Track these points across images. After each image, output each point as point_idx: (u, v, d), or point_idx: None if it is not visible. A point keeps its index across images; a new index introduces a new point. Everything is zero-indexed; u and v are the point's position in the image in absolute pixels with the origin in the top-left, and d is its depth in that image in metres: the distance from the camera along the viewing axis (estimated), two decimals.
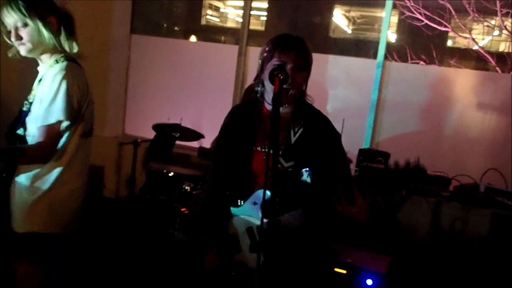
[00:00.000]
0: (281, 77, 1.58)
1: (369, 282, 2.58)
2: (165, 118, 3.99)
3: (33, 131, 1.92)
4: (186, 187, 3.24)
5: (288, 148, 1.77)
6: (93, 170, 4.26)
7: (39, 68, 2.04)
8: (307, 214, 1.77)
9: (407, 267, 2.80)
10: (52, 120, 1.87)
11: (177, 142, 3.84)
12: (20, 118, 1.96)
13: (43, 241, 1.96)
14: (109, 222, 3.72)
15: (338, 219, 1.69)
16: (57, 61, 1.97)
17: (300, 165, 1.75)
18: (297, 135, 1.78)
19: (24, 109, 1.97)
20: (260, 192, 1.75)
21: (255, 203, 1.76)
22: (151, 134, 3.90)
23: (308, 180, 1.72)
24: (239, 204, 1.83)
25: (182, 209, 3.15)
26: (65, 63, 1.96)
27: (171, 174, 3.40)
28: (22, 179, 1.95)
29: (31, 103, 1.96)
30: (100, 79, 4.34)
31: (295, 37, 1.76)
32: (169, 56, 4.49)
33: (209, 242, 1.90)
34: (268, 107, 1.80)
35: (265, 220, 1.65)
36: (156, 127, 3.68)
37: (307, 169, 1.73)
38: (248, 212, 1.79)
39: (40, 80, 1.98)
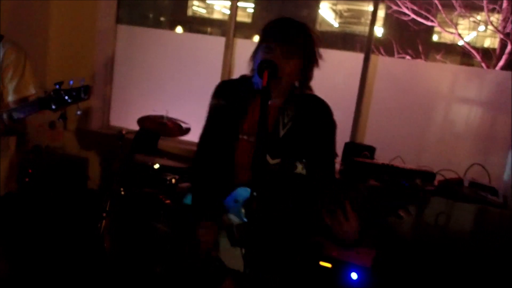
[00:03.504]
0: (270, 70, 1.48)
1: (354, 276, 2.60)
2: (150, 110, 3.94)
3: None
4: (171, 179, 3.21)
5: (275, 143, 1.60)
6: (77, 161, 4.26)
7: None
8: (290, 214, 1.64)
9: (391, 261, 2.82)
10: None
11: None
12: None
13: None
14: (93, 213, 3.69)
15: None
16: None
17: (288, 161, 1.61)
18: (286, 128, 1.62)
19: None
20: (241, 190, 1.62)
21: (236, 201, 1.64)
22: (136, 125, 3.85)
23: (304, 172, 1.60)
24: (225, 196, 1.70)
25: (167, 201, 3.13)
26: None
27: (156, 166, 3.36)
28: None
29: None
30: (85, 69, 4.27)
31: (291, 21, 1.59)
32: (155, 47, 4.43)
33: (200, 215, 1.72)
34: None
35: (245, 220, 1.60)
36: (140, 120, 3.63)
37: (303, 160, 1.60)
38: (230, 209, 1.66)
39: None
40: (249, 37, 7.45)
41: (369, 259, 2.67)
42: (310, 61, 1.63)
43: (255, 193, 1.44)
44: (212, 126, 1.75)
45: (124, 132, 3.44)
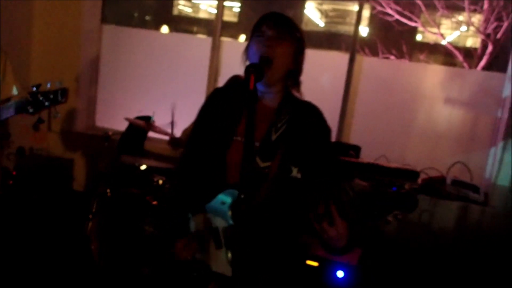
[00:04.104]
0: (256, 74, 1.44)
1: (340, 274, 2.63)
2: (136, 110, 3.93)
3: None
4: (158, 180, 3.21)
5: (267, 146, 1.58)
6: (62, 163, 4.23)
7: None
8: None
9: (377, 258, 2.85)
10: None
11: (149, 134, 3.79)
12: None
13: None
14: (78, 214, 3.67)
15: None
16: None
17: (279, 165, 1.57)
18: (280, 132, 1.59)
19: None
20: (229, 192, 1.56)
21: (223, 203, 1.56)
22: (122, 126, 3.84)
23: (299, 176, 1.57)
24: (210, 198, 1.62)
25: (154, 203, 3.12)
26: None
27: (143, 167, 3.35)
28: None
29: None
30: (70, 70, 4.23)
31: (279, 13, 1.59)
32: (141, 47, 4.42)
33: (178, 231, 1.69)
34: (259, 94, 1.61)
35: (231, 223, 1.53)
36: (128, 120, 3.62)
37: (298, 164, 1.57)
38: (215, 211, 1.61)
39: None
40: (236, 36, 7.46)
41: (355, 257, 2.70)
42: (300, 47, 1.60)
43: (242, 196, 1.44)
44: (203, 129, 1.71)
45: (110, 133, 3.43)
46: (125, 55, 4.44)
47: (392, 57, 5.44)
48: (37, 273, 3.03)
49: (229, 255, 1.58)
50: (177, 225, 1.70)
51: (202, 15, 9.16)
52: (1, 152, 2.32)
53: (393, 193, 1.42)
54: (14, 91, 2.06)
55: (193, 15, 9.25)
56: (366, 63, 3.95)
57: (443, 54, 5.86)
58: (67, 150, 4.37)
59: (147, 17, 7.47)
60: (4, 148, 2.33)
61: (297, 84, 1.66)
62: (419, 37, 6.51)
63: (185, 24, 9.35)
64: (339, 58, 4.03)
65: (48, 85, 1.72)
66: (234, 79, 3.03)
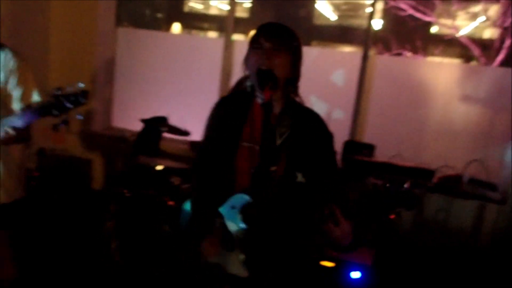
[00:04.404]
0: (271, 85, 1.54)
1: (355, 274, 2.65)
2: (152, 111, 3.98)
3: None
4: (174, 181, 3.25)
5: (272, 150, 1.63)
6: (81, 163, 4.30)
7: None
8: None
9: (391, 258, 2.87)
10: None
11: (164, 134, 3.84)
12: None
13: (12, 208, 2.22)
14: (98, 214, 3.74)
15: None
16: None
17: (289, 170, 1.64)
18: (283, 137, 1.65)
19: None
20: (238, 196, 1.65)
21: (233, 207, 1.66)
22: (137, 126, 3.89)
23: (303, 181, 1.63)
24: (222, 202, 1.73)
25: (170, 203, 3.18)
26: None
27: (159, 168, 3.41)
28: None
29: None
30: (86, 72, 4.30)
31: (276, 23, 1.65)
32: (155, 48, 4.46)
33: (204, 231, 1.76)
34: (259, 100, 1.68)
35: (242, 226, 1.62)
36: (146, 121, 3.67)
37: (302, 169, 1.62)
38: (227, 215, 1.69)
39: None
40: (247, 32, 7.46)
41: (369, 257, 2.72)
42: (297, 55, 1.69)
43: (253, 200, 1.54)
44: (212, 136, 1.79)
45: (128, 135, 3.48)
46: (140, 57, 4.49)
47: (406, 52, 5.40)
48: (58, 272, 3.10)
49: (242, 257, 1.65)
50: (204, 225, 1.75)
51: (213, 11, 9.18)
52: (23, 155, 2.37)
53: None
54: (36, 98, 2.10)
55: (204, 11, 9.28)
56: (379, 60, 3.94)
57: (459, 49, 5.79)
58: (85, 150, 4.45)
59: (159, 15, 7.53)
60: (25, 150, 2.39)
61: (295, 90, 1.72)
62: (433, 32, 6.43)
63: (196, 21, 9.38)
64: (352, 56, 4.02)
65: (70, 88, 1.76)
66: (240, 83, 3.06)
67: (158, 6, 7.22)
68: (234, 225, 1.67)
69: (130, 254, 3.17)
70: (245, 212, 1.63)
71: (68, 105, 1.74)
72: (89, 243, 3.34)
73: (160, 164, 3.43)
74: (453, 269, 2.92)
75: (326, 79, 4.03)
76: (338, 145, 3.59)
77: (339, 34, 7.70)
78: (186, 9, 8.80)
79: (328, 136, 1.72)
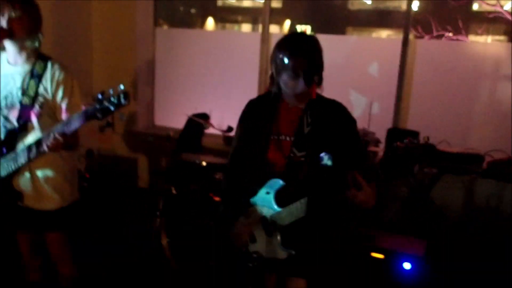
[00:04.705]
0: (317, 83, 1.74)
1: (407, 265, 2.61)
2: (193, 108, 4.05)
3: (44, 122, 2.16)
4: (220, 177, 3.30)
5: (301, 138, 1.83)
6: (127, 162, 4.44)
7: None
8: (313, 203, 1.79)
9: (444, 248, 2.81)
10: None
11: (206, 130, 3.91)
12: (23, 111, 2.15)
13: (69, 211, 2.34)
14: (143, 210, 3.86)
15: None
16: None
17: (313, 154, 1.80)
18: (310, 126, 1.84)
19: (27, 103, 2.14)
20: (273, 181, 1.83)
21: (268, 193, 1.84)
22: (179, 124, 3.97)
23: (329, 163, 1.75)
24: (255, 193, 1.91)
25: (216, 199, 3.23)
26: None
27: (204, 164, 3.46)
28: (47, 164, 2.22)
29: (33, 97, 2.14)
30: (128, 74, 4.42)
31: (304, 38, 1.83)
32: (193, 46, 4.52)
33: (235, 217, 1.95)
34: (287, 99, 1.88)
35: (277, 209, 1.80)
36: (188, 118, 3.74)
37: (324, 154, 1.77)
38: (262, 202, 1.86)
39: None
40: (282, 23, 7.41)
41: (421, 248, 2.68)
42: (320, 58, 1.83)
43: (286, 183, 1.74)
44: (244, 135, 1.98)
45: (171, 133, 3.56)
46: (178, 55, 4.56)
47: (447, 33, 5.22)
48: (115, 270, 3.22)
49: (279, 237, 1.81)
50: (234, 212, 1.95)
51: (246, 3, 9.18)
52: (74, 159, 2.47)
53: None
54: (82, 108, 2.17)
55: (237, 4, 9.29)
56: (420, 45, 3.84)
57: (504, 26, 5.53)
58: (130, 150, 4.58)
59: (192, 10, 7.58)
60: (75, 154, 2.49)
61: (320, 83, 1.87)
62: (475, 10, 6.17)
63: (229, 15, 9.41)
64: (391, 42, 3.94)
65: (111, 91, 1.82)
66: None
67: (192, 3, 7.28)
68: (270, 209, 1.83)
69: (180, 250, 3.25)
70: (280, 195, 1.81)
71: (111, 107, 1.80)
72: (140, 241, 3.44)
73: (202, 160, 3.49)
74: (508, 257, 2.83)
75: (365, 67, 3.96)
76: (382, 133, 3.56)
77: (375, 18, 7.52)
78: (219, 3, 8.83)
79: (351, 121, 1.89)
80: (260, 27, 4.30)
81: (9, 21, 2.03)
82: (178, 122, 4.06)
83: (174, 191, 3.45)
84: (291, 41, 1.83)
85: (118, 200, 4.07)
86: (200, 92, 4.53)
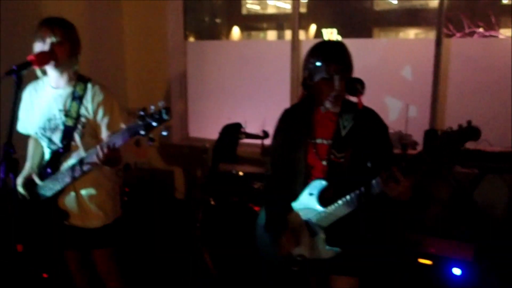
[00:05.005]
0: (362, 91, 1.74)
1: (456, 271, 2.56)
2: (226, 118, 4.08)
3: (86, 142, 2.22)
4: (259, 187, 3.30)
5: (339, 140, 1.91)
6: (163, 174, 4.50)
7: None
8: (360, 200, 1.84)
9: (493, 251, 2.74)
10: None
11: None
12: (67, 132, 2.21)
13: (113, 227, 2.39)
14: (182, 222, 3.90)
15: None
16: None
17: (352, 155, 1.88)
18: (347, 128, 1.91)
19: (70, 124, 2.20)
20: (315, 182, 1.89)
21: (311, 194, 1.90)
22: (213, 135, 4.00)
23: (369, 165, 1.80)
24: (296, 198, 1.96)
25: (256, 208, 3.23)
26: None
27: (241, 173, 3.48)
28: (91, 183, 2.28)
29: (75, 118, 2.20)
30: (161, 87, 4.50)
31: (335, 44, 1.92)
32: (222, 57, 4.57)
33: (279, 228, 2.00)
34: (322, 108, 1.93)
35: (321, 209, 1.86)
36: (222, 129, 3.77)
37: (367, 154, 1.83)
38: (304, 204, 1.92)
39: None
40: (307, 27, 7.40)
41: (469, 252, 2.62)
42: (349, 66, 1.92)
43: (328, 183, 1.82)
44: (283, 140, 2.05)
45: (207, 145, 3.59)
46: (209, 67, 4.62)
47: (480, 30, 5.10)
48: (161, 282, 3.27)
49: (323, 236, 1.87)
50: (280, 222, 2.00)
51: (271, 10, 9.21)
52: (117, 175, 2.52)
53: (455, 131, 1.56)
54: (122, 126, 2.21)
55: (262, 12, 9.33)
56: (454, 44, 3.77)
57: None
58: (166, 162, 4.65)
59: (218, 20, 7.65)
60: (117, 170, 2.54)
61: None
62: (505, 0, 6.01)
63: (255, 22, 9.46)
64: (424, 42, 3.88)
65: (152, 108, 1.86)
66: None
67: (217, 13, 7.34)
68: (313, 210, 1.89)
69: (222, 261, 3.27)
70: (322, 195, 1.87)
71: (154, 123, 1.84)
72: (181, 253, 3.48)
73: (239, 170, 3.50)
74: None
75: (398, 70, 3.92)
76: (419, 135, 3.51)
77: (402, 18, 7.43)
78: (244, 11, 8.90)
79: (384, 127, 1.98)
80: (286, 33, 4.32)
81: (51, 46, 2.09)
82: (211, 133, 4.10)
83: (212, 202, 3.48)
84: (323, 46, 1.93)
85: (156, 212, 4.12)
86: (232, 103, 4.57)
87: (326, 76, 1.83)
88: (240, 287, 3.13)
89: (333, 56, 1.86)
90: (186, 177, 4.62)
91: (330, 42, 1.98)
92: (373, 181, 1.73)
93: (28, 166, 2.35)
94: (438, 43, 3.67)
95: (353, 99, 1.92)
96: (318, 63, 1.84)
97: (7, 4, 3.58)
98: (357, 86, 1.73)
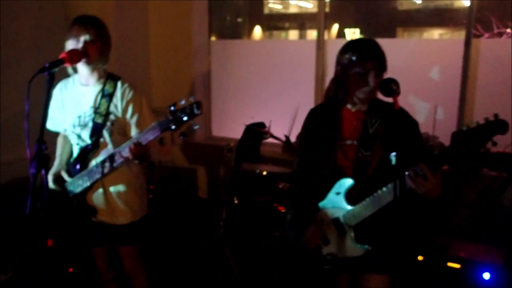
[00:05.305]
0: (398, 92, 1.74)
1: (486, 276, 2.51)
2: (249, 117, 4.08)
3: (115, 139, 2.25)
4: (283, 187, 3.30)
5: (367, 138, 1.88)
6: (186, 173, 4.53)
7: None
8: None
9: None
10: None
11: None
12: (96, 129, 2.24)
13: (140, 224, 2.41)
14: (205, 221, 3.92)
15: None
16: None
17: (380, 152, 1.86)
18: (375, 126, 1.88)
19: (99, 121, 2.23)
20: (342, 181, 1.88)
21: (338, 193, 1.89)
22: (236, 134, 4.00)
23: (393, 162, 1.78)
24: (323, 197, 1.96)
25: (280, 208, 3.23)
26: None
27: (264, 173, 3.48)
28: (119, 180, 2.30)
29: (104, 115, 2.22)
30: (186, 87, 4.53)
31: (371, 41, 1.90)
32: (246, 57, 4.58)
33: (306, 221, 1.99)
34: (348, 106, 1.94)
35: (349, 208, 1.85)
36: (246, 128, 3.77)
37: (395, 153, 1.79)
38: (332, 203, 1.91)
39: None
40: (329, 27, 7.35)
41: (500, 256, 2.56)
42: (384, 63, 1.89)
43: (356, 182, 1.81)
44: (311, 140, 2.03)
45: (232, 144, 3.60)
46: (232, 66, 4.63)
47: (508, 30, 5.00)
48: (185, 280, 3.29)
49: (352, 235, 1.86)
50: (305, 216, 1.99)
51: (293, 9, 9.19)
52: (144, 173, 2.54)
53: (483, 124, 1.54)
54: (150, 122, 2.22)
55: (284, 11, 9.32)
56: (483, 44, 3.70)
57: None
58: (190, 161, 4.67)
59: (239, 20, 7.67)
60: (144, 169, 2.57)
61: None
62: None
63: (277, 21, 9.45)
64: (452, 43, 3.82)
65: (183, 102, 1.87)
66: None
67: (239, 13, 7.36)
68: (341, 209, 1.88)
69: (245, 261, 3.27)
70: (350, 194, 1.86)
71: (185, 117, 1.85)
72: (205, 252, 3.49)
73: (262, 169, 3.50)
74: None
75: (425, 70, 3.86)
76: (445, 138, 3.45)
77: (427, 18, 7.34)
78: (266, 11, 8.90)
79: (414, 122, 1.93)
80: (307, 32, 4.30)
81: (84, 44, 2.12)
82: (235, 132, 4.10)
83: (236, 201, 3.49)
84: (359, 42, 1.93)
85: (180, 211, 4.15)
86: (255, 102, 4.57)
87: (361, 71, 1.81)
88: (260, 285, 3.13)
89: (370, 52, 1.84)
90: (209, 176, 4.63)
91: (366, 39, 1.96)
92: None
93: (57, 163, 2.39)
94: (467, 43, 3.61)
95: (383, 98, 1.91)
96: (353, 58, 1.82)
97: (35, 4, 3.65)
98: (393, 87, 1.71)
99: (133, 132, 2.24)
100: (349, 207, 1.85)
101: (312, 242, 1.96)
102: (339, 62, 1.91)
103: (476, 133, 1.53)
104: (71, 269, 3.06)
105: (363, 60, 1.81)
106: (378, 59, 1.84)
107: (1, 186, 3.35)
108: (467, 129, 1.55)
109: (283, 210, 3.18)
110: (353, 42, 1.91)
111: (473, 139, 1.54)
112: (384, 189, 1.76)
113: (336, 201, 1.89)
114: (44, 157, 1.77)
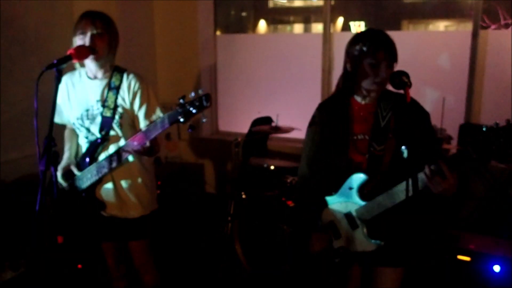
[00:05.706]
0: (410, 84, 1.65)
1: (496, 268, 2.50)
2: (255, 112, 4.08)
3: (125, 132, 2.25)
4: (291, 181, 3.29)
5: (378, 132, 1.84)
6: (193, 168, 4.54)
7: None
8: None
9: None
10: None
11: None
12: (105, 123, 2.23)
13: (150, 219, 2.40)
14: (213, 216, 3.92)
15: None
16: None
17: (392, 146, 1.82)
18: (386, 119, 1.85)
19: (108, 115, 2.22)
20: (355, 176, 1.84)
21: (350, 188, 1.86)
22: (243, 128, 4.00)
23: (405, 155, 1.71)
24: (333, 193, 1.94)
25: (289, 203, 3.22)
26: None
27: (272, 167, 3.47)
28: (129, 174, 2.30)
29: (112, 109, 2.21)
30: (192, 81, 4.53)
31: (381, 32, 1.85)
32: (252, 51, 4.57)
33: (310, 227, 1.99)
34: (358, 99, 1.90)
35: (362, 203, 1.82)
36: (253, 122, 3.77)
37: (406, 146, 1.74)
38: (344, 198, 1.88)
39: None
40: (334, 20, 7.29)
41: (510, 249, 2.55)
42: (395, 53, 1.85)
43: (369, 177, 1.78)
44: (320, 135, 1.99)
45: (239, 139, 3.59)
46: (238, 61, 4.62)
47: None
48: (194, 274, 3.30)
49: (365, 230, 1.82)
50: (310, 221, 1.98)
51: (297, 3, 9.13)
52: (153, 167, 2.54)
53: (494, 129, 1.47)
54: (159, 113, 2.22)
55: (288, 5, 9.26)
56: (491, 36, 3.67)
57: None
58: (196, 156, 4.68)
59: (244, 14, 7.63)
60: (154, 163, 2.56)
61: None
62: None
63: (282, 15, 9.39)
64: (459, 35, 3.79)
65: (192, 94, 1.86)
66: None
67: (243, 6, 7.31)
68: (354, 204, 1.86)
69: (254, 255, 3.28)
70: (362, 189, 1.83)
71: (194, 110, 1.84)
72: (214, 246, 3.50)
73: (270, 163, 3.49)
74: None
75: (433, 62, 3.84)
76: (453, 130, 3.44)
77: (433, 10, 7.26)
78: (270, 5, 8.84)
79: (426, 114, 1.87)
80: (313, 26, 4.28)
81: (92, 38, 2.12)
82: (241, 127, 4.10)
83: (244, 196, 3.49)
84: (371, 32, 1.87)
85: (187, 206, 4.16)
86: (262, 96, 4.56)
87: (372, 61, 1.77)
88: (272, 281, 3.13)
89: (382, 42, 1.80)
90: (217, 171, 4.64)
91: (377, 30, 1.89)
92: (419, 175, 1.64)
93: (66, 157, 2.37)
94: (475, 35, 3.58)
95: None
96: (365, 48, 1.78)
97: (40, 4, 3.65)
98: (404, 79, 1.65)
99: (142, 123, 2.23)
100: (362, 202, 1.83)
101: (316, 247, 1.96)
102: (348, 53, 1.86)
103: (497, 136, 1.44)
104: (80, 266, 3.08)
105: (375, 51, 1.77)
106: (390, 50, 1.80)
107: (6, 184, 3.36)
108: (487, 130, 1.47)
109: (291, 205, 3.17)
110: (363, 33, 1.87)
111: (494, 142, 1.45)
112: (399, 186, 1.71)
113: (349, 196, 1.87)
114: (53, 154, 1.76)
